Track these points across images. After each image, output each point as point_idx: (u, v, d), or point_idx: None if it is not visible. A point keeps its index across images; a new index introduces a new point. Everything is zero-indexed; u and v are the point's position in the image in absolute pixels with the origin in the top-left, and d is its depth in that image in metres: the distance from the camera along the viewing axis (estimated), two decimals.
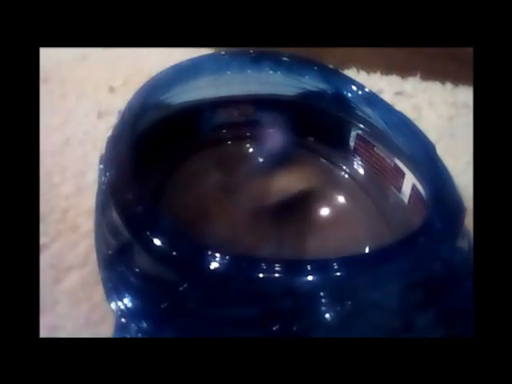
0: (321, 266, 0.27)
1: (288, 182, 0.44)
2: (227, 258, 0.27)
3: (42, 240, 0.39)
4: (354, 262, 0.28)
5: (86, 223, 0.41)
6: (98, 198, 0.34)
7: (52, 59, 0.56)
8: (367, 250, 0.38)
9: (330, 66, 0.46)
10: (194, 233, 0.31)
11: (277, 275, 0.27)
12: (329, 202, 0.43)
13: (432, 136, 0.38)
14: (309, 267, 0.27)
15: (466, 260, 0.31)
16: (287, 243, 0.39)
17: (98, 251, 0.33)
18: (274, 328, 0.27)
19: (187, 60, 0.42)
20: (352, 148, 0.44)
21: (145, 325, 0.29)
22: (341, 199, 0.43)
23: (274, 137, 0.44)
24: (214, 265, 0.27)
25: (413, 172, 0.38)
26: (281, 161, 0.44)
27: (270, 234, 0.39)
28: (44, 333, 0.33)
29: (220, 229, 0.38)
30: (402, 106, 0.46)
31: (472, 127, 0.30)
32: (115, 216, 0.30)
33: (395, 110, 0.41)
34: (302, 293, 0.27)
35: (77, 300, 0.37)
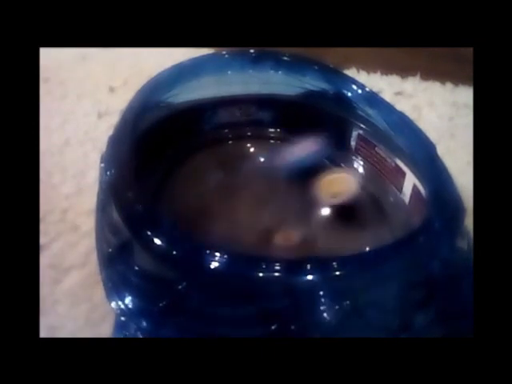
0: (320, 265, 0.27)
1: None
2: (226, 256, 0.27)
3: (42, 240, 0.39)
4: (353, 261, 0.28)
5: (86, 223, 0.41)
6: (99, 197, 0.34)
7: (52, 59, 0.56)
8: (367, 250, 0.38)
9: (331, 66, 0.46)
10: (194, 232, 0.31)
11: (276, 274, 0.27)
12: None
13: (432, 136, 0.38)
14: (308, 266, 0.27)
15: (466, 260, 0.31)
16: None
17: (98, 250, 0.33)
18: (273, 327, 0.27)
19: (188, 60, 0.42)
20: (353, 148, 0.44)
21: (144, 323, 0.29)
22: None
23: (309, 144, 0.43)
24: (213, 264, 0.27)
25: (413, 172, 0.38)
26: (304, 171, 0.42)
27: (270, 233, 0.39)
28: (44, 333, 0.33)
29: (220, 228, 0.39)
30: (401, 106, 0.46)
31: (472, 127, 0.30)
32: (115, 215, 0.30)
33: (396, 109, 0.41)
34: (301, 292, 0.27)
35: (77, 300, 0.37)
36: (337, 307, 0.27)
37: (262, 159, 0.46)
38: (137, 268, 0.29)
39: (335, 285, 0.27)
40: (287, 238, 0.38)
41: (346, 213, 0.40)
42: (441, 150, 0.37)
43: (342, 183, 0.41)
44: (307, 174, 0.42)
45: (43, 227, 0.40)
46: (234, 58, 0.43)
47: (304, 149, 0.43)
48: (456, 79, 0.62)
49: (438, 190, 0.34)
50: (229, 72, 0.43)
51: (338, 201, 0.40)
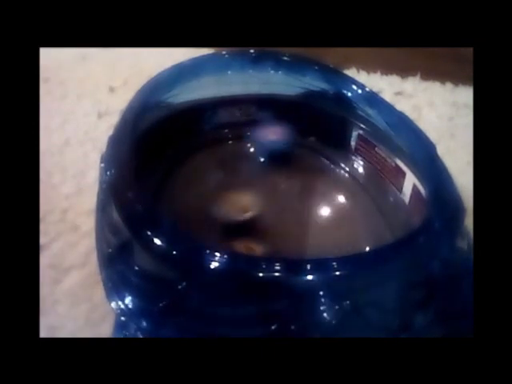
0: (320, 266, 0.27)
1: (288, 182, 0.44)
2: (226, 256, 0.27)
3: (42, 240, 0.39)
4: (353, 262, 0.28)
5: (86, 223, 0.41)
6: (99, 197, 0.35)
7: (52, 59, 0.56)
8: (367, 250, 0.38)
9: (331, 66, 0.46)
10: (193, 232, 0.31)
11: (276, 274, 0.27)
12: (329, 202, 0.43)
13: (432, 136, 0.38)
14: (308, 266, 0.27)
15: (466, 260, 0.31)
16: (287, 242, 0.39)
17: (98, 250, 0.33)
18: (273, 327, 0.27)
19: (188, 60, 0.42)
20: (353, 148, 0.44)
21: (144, 323, 0.29)
22: (341, 199, 0.43)
23: (275, 132, 0.44)
24: (213, 264, 0.27)
25: (413, 172, 0.38)
26: (280, 158, 0.44)
27: (271, 233, 0.39)
28: (44, 333, 0.33)
29: (220, 228, 0.39)
30: (401, 106, 0.46)
31: (472, 127, 0.30)
32: (115, 215, 0.30)
33: (396, 109, 0.41)
34: (301, 292, 0.27)
35: (77, 300, 0.37)
36: (337, 307, 0.27)
37: (261, 159, 0.46)
38: (137, 268, 0.29)
39: (335, 285, 0.27)
40: (249, 248, 0.38)
41: None
42: (441, 150, 0.37)
43: (243, 202, 0.42)
44: (277, 161, 0.43)
45: (43, 227, 0.40)
46: (234, 58, 0.43)
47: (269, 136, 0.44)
48: (456, 79, 0.62)
49: (437, 189, 0.34)
50: (229, 72, 0.43)
51: (240, 218, 0.40)
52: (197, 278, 0.28)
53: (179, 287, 0.28)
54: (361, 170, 0.44)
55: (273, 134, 0.44)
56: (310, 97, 0.45)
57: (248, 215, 0.40)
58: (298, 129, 0.46)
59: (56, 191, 0.44)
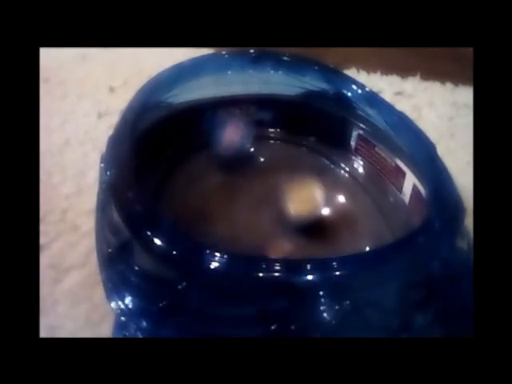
0: (320, 266, 0.27)
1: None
2: (226, 256, 0.27)
3: (42, 240, 0.39)
4: (353, 262, 0.28)
5: (86, 223, 0.41)
6: (99, 197, 0.35)
7: (52, 59, 0.56)
8: (367, 250, 0.38)
9: (331, 66, 0.46)
10: (194, 232, 0.31)
11: (276, 274, 0.27)
12: (329, 202, 0.43)
13: (432, 136, 0.38)
14: (308, 266, 0.27)
15: (466, 260, 0.31)
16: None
17: (98, 250, 0.33)
18: (273, 327, 0.27)
19: (188, 60, 0.42)
20: (353, 148, 0.45)
21: (144, 323, 0.29)
22: (341, 199, 0.43)
23: (233, 130, 0.44)
24: (213, 264, 0.27)
25: (413, 172, 0.38)
26: (239, 156, 0.44)
27: (271, 234, 0.39)
28: (44, 333, 0.33)
29: (220, 228, 0.39)
30: (401, 106, 0.46)
31: (472, 127, 0.31)
32: (115, 215, 0.30)
33: (396, 109, 0.41)
34: (301, 292, 0.27)
35: (77, 300, 0.37)
36: (337, 307, 0.27)
37: (261, 159, 0.46)
38: (137, 268, 0.29)
39: (335, 285, 0.27)
40: (281, 250, 0.38)
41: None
42: (441, 150, 0.37)
43: (310, 195, 0.42)
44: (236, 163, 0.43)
45: (43, 227, 0.40)
46: (234, 58, 0.43)
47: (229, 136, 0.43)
48: (456, 79, 0.62)
49: (437, 189, 0.34)
50: (229, 72, 0.43)
51: (308, 215, 0.40)
52: (197, 278, 0.28)
53: (179, 287, 0.28)
54: (361, 170, 0.44)
55: (232, 134, 0.43)
56: (310, 97, 0.45)
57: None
58: (297, 129, 0.46)
59: (56, 191, 0.44)
